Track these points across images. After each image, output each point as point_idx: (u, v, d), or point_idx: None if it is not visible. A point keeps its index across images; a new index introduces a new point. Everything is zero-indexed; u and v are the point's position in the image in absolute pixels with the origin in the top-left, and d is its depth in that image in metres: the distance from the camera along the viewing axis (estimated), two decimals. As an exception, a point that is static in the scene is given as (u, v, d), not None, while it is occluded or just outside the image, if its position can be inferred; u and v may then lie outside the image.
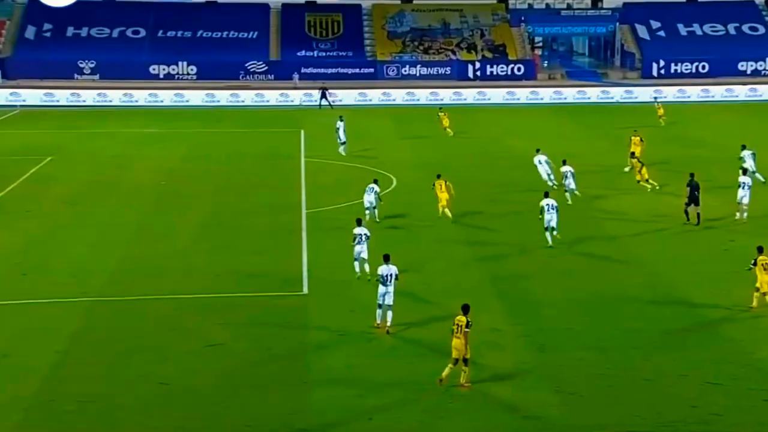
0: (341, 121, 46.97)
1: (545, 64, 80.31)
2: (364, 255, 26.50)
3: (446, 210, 33.19)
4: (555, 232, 30.21)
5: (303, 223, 33.52)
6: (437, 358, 21.57)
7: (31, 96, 66.60)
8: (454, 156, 46.35)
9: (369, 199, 33.01)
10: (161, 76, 74.14)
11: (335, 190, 38.40)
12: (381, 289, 23.06)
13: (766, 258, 24.44)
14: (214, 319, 24.12)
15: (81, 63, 73.84)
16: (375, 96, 68.30)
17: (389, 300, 23.08)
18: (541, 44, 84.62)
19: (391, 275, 23.09)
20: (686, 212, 33.02)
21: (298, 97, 67.38)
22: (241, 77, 73.74)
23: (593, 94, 66.92)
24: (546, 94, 69.13)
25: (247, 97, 67.69)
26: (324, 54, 76.69)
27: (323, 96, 64.45)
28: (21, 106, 64.79)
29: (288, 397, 19.81)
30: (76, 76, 73.51)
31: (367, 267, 26.39)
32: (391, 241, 29.17)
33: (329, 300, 25.59)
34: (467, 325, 19.88)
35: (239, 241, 31.29)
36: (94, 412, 19.10)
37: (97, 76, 73.57)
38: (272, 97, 67.70)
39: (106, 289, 26.46)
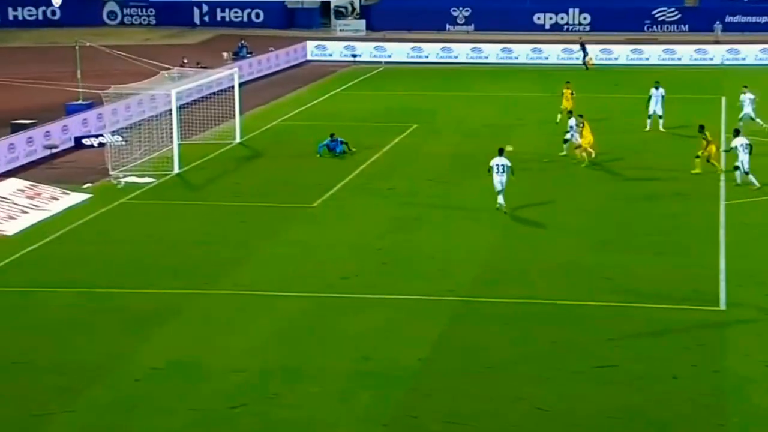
0: (657, 88, 45.19)
1: None
2: None
3: (588, 151, 39.29)
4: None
5: (721, 217, 32.54)
6: None
7: (397, 50, 70.13)
8: None
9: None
10: (547, 26, 75.23)
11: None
12: (495, 177, 32.71)
13: None
14: (603, 334, 23.99)
15: (454, 11, 76.59)
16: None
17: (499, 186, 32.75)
18: None
19: (500, 165, 32.69)
20: None
21: (719, 54, 65.23)
22: (646, 28, 72.79)
23: None
24: None
25: (653, 53, 66.91)
26: (755, -3, 73.64)
27: (584, 52, 63.30)
28: (385, 62, 68.48)
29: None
30: (448, 27, 76.46)
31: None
32: None
33: (754, 320, 24.66)
34: None
35: (634, 236, 30.97)
36: (459, 435, 19.66)
37: (471, 27, 76.11)
38: (685, 53, 66.52)
39: (476, 288, 27.18)
